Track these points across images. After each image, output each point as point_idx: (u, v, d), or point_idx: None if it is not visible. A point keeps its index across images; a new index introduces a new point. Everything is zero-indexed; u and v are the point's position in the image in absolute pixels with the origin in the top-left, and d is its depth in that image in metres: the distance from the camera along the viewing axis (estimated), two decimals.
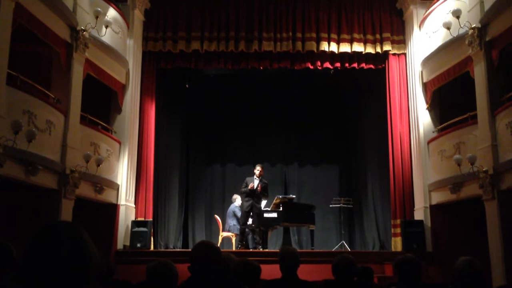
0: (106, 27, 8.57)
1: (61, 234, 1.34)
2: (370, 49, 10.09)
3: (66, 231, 1.35)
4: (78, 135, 7.90)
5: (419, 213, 9.27)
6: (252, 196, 9.34)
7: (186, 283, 2.56)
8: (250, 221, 9.63)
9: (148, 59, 10.30)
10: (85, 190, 7.98)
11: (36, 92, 7.04)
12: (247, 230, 9.66)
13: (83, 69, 8.12)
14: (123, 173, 9.34)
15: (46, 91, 7.45)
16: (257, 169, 9.56)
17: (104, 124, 9.07)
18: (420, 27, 9.74)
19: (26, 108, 6.59)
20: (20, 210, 7.31)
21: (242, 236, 9.56)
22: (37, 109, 6.80)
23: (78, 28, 7.92)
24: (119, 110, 9.54)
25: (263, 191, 9.46)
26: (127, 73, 9.69)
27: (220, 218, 10.60)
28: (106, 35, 8.66)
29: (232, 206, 10.40)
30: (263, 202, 10.04)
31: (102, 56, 8.76)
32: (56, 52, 7.69)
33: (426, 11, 9.46)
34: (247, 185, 9.39)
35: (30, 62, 8.06)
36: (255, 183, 9.38)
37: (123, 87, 9.62)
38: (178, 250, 10.48)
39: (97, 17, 8.23)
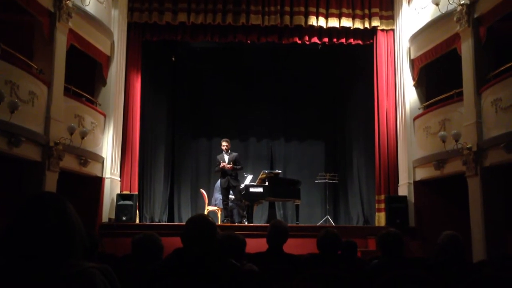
0: None
1: (46, 205, 1.31)
2: (358, 25, 10.01)
3: (51, 202, 1.33)
4: (61, 107, 7.77)
5: (403, 189, 9.38)
6: (226, 173, 9.53)
7: (171, 256, 2.55)
8: (232, 197, 9.75)
9: (134, 30, 10.11)
10: (69, 162, 7.90)
11: (19, 62, 6.87)
12: (230, 204, 9.75)
13: (66, 39, 7.94)
14: (108, 146, 9.26)
15: (29, 62, 7.28)
16: (223, 145, 9.73)
17: (88, 96, 8.93)
18: (409, 2, 9.68)
19: (8, 78, 6.44)
20: (2, 182, 7.22)
21: (226, 212, 9.66)
22: (19, 80, 6.66)
23: None
24: (104, 82, 9.41)
25: (235, 165, 9.60)
26: (112, 45, 9.52)
27: (206, 192, 10.61)
28: (90, 5, 8.46)
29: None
30: (249, 177, 10.06)
31: (86, 26, 8.57)
32: (39, 21, 7.50)
33: None
34: (220, 163, 9.54)
35: (12, 31, 7.85)
36: (225, 158, 9.56)
37: (108, 59, 9.46)
38: (164, 223, 10.53)
39: None
